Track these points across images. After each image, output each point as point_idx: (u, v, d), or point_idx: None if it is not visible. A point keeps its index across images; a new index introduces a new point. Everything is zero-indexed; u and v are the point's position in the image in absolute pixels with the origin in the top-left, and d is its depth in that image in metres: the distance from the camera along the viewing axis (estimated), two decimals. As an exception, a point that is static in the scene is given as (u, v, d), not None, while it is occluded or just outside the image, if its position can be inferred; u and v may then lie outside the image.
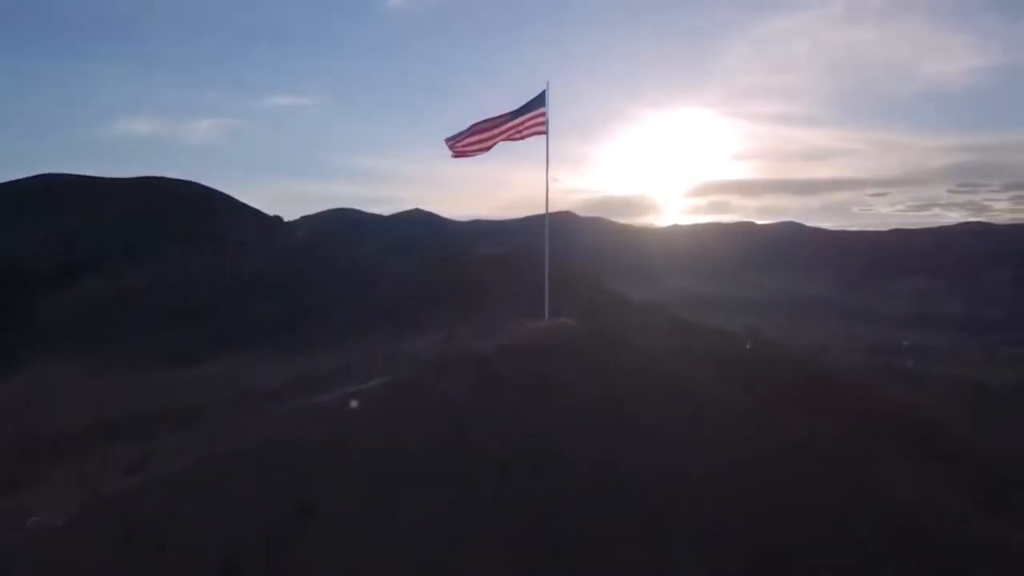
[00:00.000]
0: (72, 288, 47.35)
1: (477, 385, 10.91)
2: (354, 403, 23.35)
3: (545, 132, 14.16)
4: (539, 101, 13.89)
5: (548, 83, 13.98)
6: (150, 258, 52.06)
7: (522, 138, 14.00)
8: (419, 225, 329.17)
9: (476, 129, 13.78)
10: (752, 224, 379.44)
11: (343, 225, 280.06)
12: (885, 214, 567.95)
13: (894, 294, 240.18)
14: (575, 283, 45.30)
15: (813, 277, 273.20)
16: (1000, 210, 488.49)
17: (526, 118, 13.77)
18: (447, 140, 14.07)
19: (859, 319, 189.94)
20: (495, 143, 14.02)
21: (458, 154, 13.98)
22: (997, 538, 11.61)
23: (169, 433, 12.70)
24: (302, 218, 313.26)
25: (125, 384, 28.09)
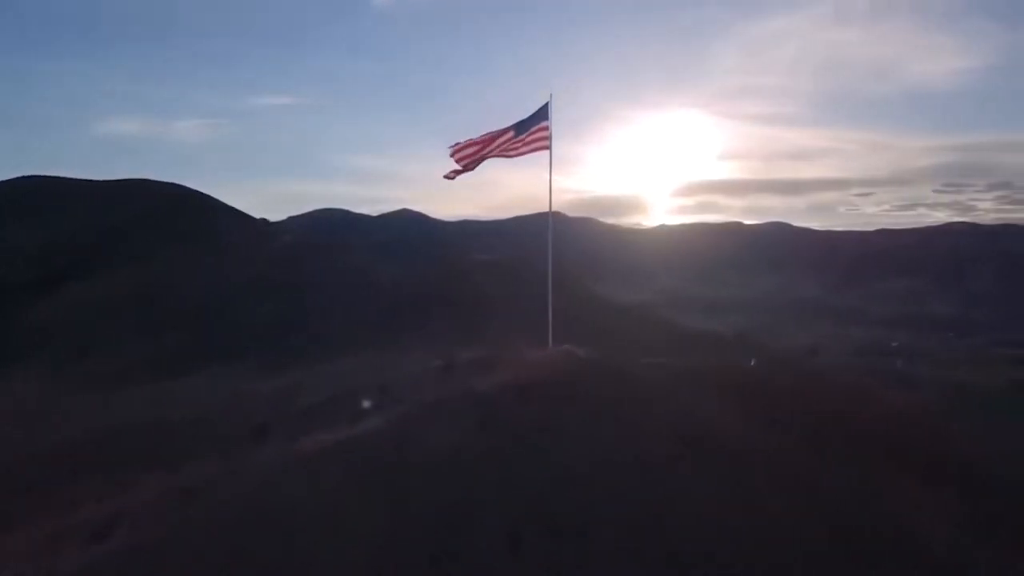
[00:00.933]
0: (53, 296, 46.15)
1: (481, 437, 9.97)
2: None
3: (548, 147, 13.41)
4: (541, 114, 13.14)
5: (552, 95, 13.23)
6: (134, 264, 50.91)
7: (521, 155, 13.25)
8: (408, 226, 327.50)
9: (473, 142, 13.00)
10: (739, 224, 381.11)
11: (331, 226, 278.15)
12: (871, 214, 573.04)
13: (882, 294, 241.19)
14: (570, 286, 44.71)
15: (801, 277, 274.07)
16: (985, 210, 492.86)
17: (526, 135, 13.02)
18: (450, 148, 13.31)
19: (848, 319, 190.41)
20: (487, 158, 13.25)
21: (454, 172, 13.22)
22: (997, 561, 11.30)
23: (143, 478, 11.61)
24: (289, 218, 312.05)
25: (105, 400, 27.12)
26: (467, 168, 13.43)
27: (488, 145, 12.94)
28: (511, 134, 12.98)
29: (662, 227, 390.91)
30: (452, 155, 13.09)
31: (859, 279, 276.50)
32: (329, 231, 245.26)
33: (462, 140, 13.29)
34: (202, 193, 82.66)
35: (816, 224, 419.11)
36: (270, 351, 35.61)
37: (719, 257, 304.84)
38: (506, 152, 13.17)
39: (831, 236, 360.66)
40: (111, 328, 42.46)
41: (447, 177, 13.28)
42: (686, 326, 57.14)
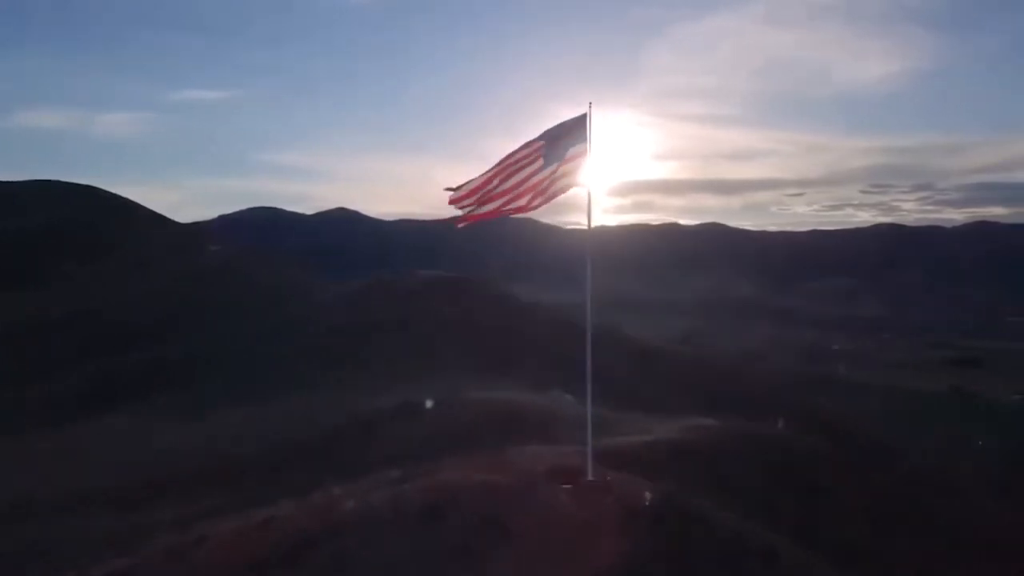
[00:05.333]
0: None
1: None
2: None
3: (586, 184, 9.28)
4: (576, 134, 9.00)
5: (591, 105, 9.12)
6: (31, 285, 44.43)
7: (555, 197, 9.11)
8: (344, 226, 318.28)
9: (492, 184, 8.67)
10: (676, 225, 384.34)
11: (264, 227, 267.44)
12: (801, 213, 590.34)
13: (817, 295, 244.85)
14: (544, 318, 40.61)
15: (739, 278, 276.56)
16: (908, 211, 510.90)
17: (560, 167, 8.84)
18: (452, 197, 8.83)
19: (786, 321, 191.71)
20: (520, 208, 8.96)
21: (465, 219, 8.86)
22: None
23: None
24: (220, 216, 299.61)
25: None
26: (480, 216, 9.07)
27: (509, 193, 8.65)
28: (539, 165, 8.74)
29: (601, 227, 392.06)
30: (458, 204, 8.73)
31: (793, 280, 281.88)
32: (261, 233, 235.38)
33: (466, 183, 8.87)
34: (121, 197, 75.56)
35: (749, 223, 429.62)
36: (187, 390, 30.61)
37: (659, 258, 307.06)
38: (540, 198, 8.93)
39: (764, 237, 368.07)
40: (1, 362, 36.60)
41: (462, 222, 8.90)
42: (645, 341, 53.85)
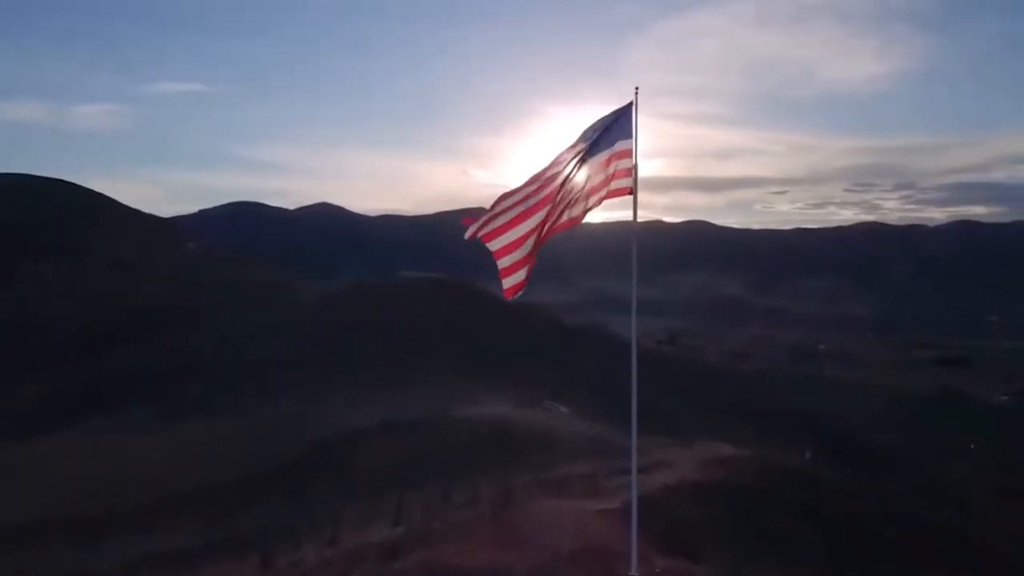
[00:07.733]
0: None
1: None
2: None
3: (632, 190, 7.48)
4: (620, 128, 7.29)
5: (637, 91, 7.35)
6: (4, 283, 42.06)
7: (598, 205, 7.39)
8: (327, 222, 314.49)
9: (520, 208, 6.77)
10: (662, 222, 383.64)
11: (245, 223, 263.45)
12: (784, 211, 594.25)
13: (803, 293, 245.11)
14: (533, 320, 38.78)
15: (724, 276, 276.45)
16: (889, 209, 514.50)
17: (609, 172, 7.13)
18: (474, 226, 6.91)
19: (772, 320, 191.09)
20: (554, 228, 7.13)
21: (490, 241, 6.97)
22: None
23: None
24: (200, 212, 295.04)
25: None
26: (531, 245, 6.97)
27: (544, 205, 6.85)
28: (579, 165, 7.04)
29: (585, 225, 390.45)
30: (480, 227, 6.80)
31: (778, 278, 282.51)
32: (243, 229, 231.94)
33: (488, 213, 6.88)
34: (97, 192, 73.16)
35: (733, 221, 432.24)
36: (160, 400, 28.66)
37: (645, 256, 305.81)
38: (578, 209, 7.19)
39: (750, 235, 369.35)
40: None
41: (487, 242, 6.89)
42: (641, 345, 51.95)
